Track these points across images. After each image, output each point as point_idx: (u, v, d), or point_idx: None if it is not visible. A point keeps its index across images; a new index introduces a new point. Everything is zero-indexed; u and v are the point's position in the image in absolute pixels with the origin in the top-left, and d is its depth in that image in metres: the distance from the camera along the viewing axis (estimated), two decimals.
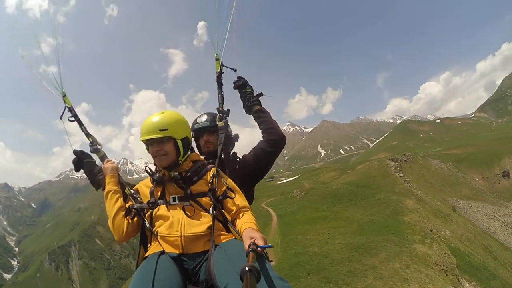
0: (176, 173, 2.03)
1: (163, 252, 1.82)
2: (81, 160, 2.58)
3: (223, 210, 2.00)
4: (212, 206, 1.94)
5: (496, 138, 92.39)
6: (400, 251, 23.87)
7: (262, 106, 2.65)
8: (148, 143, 2.02)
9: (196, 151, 2.63)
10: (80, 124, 2.68)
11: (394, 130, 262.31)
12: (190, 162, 2.13)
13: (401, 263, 21.68)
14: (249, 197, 2.41)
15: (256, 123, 2.64)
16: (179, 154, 2.04)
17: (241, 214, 1.98)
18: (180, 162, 2.06)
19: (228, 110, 2.55)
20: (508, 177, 64.47)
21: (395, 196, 40.60)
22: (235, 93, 2.71)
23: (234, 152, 2.68)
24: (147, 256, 1.86)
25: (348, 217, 34.54)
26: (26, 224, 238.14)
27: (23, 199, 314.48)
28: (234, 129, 2.75)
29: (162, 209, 1.96)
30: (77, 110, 2.71)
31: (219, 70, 2.57)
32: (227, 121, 2.53)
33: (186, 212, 1.91)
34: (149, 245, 1.99)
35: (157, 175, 2.07)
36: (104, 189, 2.23)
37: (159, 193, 2.03)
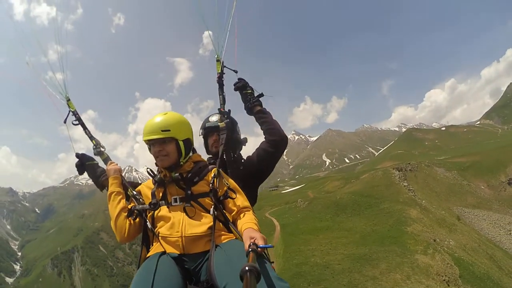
0: (177, 174, 2.05)
1: (164, 253, 1.84)
2: (83, 163, 2.61)
3: (224, 211, 2.03)
4: (213, 206, 1.97)
5: (502, 146, 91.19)
6: (402, 261, 23.77)
7: (264, 107, 2.65)
8: (150, 143, 2.05)
9: (204, 150, 2.69)
10: (84, 127, 2.75)
11: (399, 138, 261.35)
12: (191, 163, 2.16)
13: (402, 274, 21.61)
14: (252, 198, 2.41)
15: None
16: (180, 155, 2.07)
17: (242, 214, 1.99)
18: (181, 163, 2.09)
19: (229, 110, 2.56)
20: None
21: (399, 206, 40.36)
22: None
23: (240, 154, 2.70)
24: (148, 257, 1.89)
25: (351, 227, 34.46)
26: (30, 229, 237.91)
27: (27, 204, 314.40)
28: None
29: (163, 210, 1.99)
30: (83, 117, 2.78)
31: (220, 71, 2.58)
32: (230, 122, 2.51)
33: (187, 212, 1.93)
34: (151, 245, 2.02)
35: (159, 176, 2.11)
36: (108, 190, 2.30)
37: (161, 194, 2.05)
